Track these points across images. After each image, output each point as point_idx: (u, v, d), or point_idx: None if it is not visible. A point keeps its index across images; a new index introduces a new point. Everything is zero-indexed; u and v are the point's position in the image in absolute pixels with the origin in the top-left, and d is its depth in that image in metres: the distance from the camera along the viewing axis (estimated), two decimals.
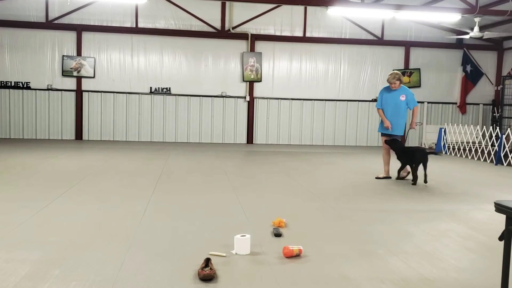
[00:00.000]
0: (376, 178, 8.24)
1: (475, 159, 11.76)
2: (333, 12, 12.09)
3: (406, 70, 15.02)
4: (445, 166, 10.48)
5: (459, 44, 15.09)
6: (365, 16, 13.99)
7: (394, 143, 7.98)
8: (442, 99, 15.37)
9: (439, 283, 3.42)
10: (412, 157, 7.72)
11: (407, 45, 14.96)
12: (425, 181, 7.76)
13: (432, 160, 11.38)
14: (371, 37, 14.80)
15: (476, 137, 13.21)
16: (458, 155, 12.51)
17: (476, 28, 11.93)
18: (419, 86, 15.13)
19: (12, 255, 3.73)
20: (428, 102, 15.24)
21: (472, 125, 13.22)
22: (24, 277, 3.28)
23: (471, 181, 8.52)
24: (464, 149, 12.70)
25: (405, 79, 15.03)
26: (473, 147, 12.61)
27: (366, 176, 8.53)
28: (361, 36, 14.76)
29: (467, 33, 12.39)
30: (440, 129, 13.37)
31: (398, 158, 8.00)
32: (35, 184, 6.73)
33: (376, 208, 5.92)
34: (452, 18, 11.80)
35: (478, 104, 15.52)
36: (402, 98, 8.25)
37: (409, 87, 14.97)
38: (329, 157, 11.46)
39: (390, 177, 8.25)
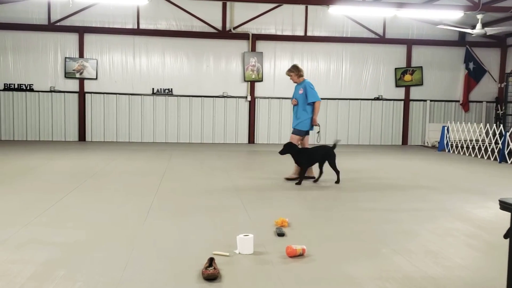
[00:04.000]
0: (285, 179, 7.70)
1: (479, 157, 11.74)
2: (334, 11, 12.08)
3: (408, 68, 15.00)
4: (449, 164, 10.46)
5: (461, 42, 15.05)
6: (367, 14, 13.98)
7: (290, 147, 7.35)
8: (445, 97, 15.33)
9: (444, 282, 3.41)
10: (314, 157, 7.39)
11: (409, 43, 14.93)
12: (337, 181, 7.42)
13: (436, 159, 11.41)
14: (372, 36, 14.78)
15: (480, 135, 13.18)
16: (462, 153, 12.48)
17: (479, 25, 11.90)
18: (421, 84, 15.11)
19: (18, 256, 3.74)
20: (431, 100, 15.21)
21: (475, 123, 13.20)
22: (30, 278, 3.29)
23: (475, 179, 8.50)
24: (468, 147, 12.67)
25: (407, 77, 15.02)
26: (477, 145, 12.58)
27: (369, 175, 8.52)
28: (363, 34, 14.74)
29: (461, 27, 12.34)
30: (443, 127, 13.35)
31: (298, 162, 7.42)
32: (39, 186, 6.75)
33: (380, 207, 5.91)
34: (454, 15, 11.77)
35: (482, 101, 15.48)
36: (300, 92, 7.77)
37: (412, 85, 15.10)
38: None
39: (314, 177, 7.72)
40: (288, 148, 7.34)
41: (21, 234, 4.37)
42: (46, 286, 3.18)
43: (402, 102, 15.17)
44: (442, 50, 15.16)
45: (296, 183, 7.32)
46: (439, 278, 3.47)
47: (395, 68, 15.03)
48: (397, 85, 15.10)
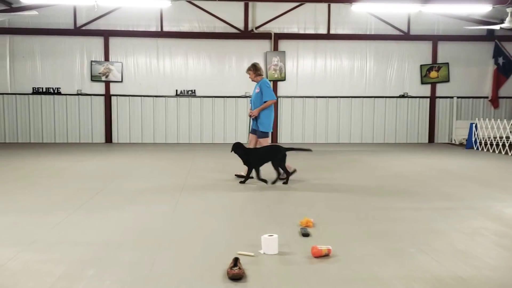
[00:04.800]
0: (235, 175, 7.65)
1: (509, 154, 11.44)
2: (358, 8, 11.98)
3: (434, 65, 14.73)
4: (477, 162, 10.24)
5: (490, 36, 14.69)
6: (391, 11, 13.80)
7: (237, 147, 7.27)
8: (473, 94, 15.00)
9: (473, 282, 3.34)
10: (262, 157, 7.16)
11: (435, 39, 14.66)
12: (279, 181, 7.23)
13: (464, 157, 11.18)
14: (397, 32, 14.58)
15: (510, 132, 12.83)
16: (491, 151, 12.19)
17: (508, 19, 11.57)
18: (448, 80, 14.82)
19: (48, 256, 3.83)
20: (458, 97, 14.91)
21: (505, 120, 12.84)
22: (60, 278, 3.37)
23: (504, 177, 8.30)
24: (497, 145, 12.37)
25: (433, 74, 14.76)
26: (507, 142, 12.26)
27: (395, 174, 8.41)
28: (387, 31, 14.55)
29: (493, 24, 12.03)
30: (471, 124, 13.07)
31: (245, 162, 7.30)
32: (68, 187, 6.90)
33: (405, 206, 5.83)
34: (482, 9, 11.49)
35: None
36: (257, 90, 7.62)
37: (438, 82, 14.83)
38: (356, 154, 11.35)
39: (295, 170, 7.59)
40: (235, 148, 7.26)
41: (51, 234, 4.47)
42: (76, 285, 3.25)
43: (428, 99, 14.91)
44: (469, 45, 14.83)
45: (240, 182, 7.26)
46: (468, 279, 3.40)
47: (421, 65, 14.79)
48: (422, 82, 14.86)
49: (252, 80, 7.83)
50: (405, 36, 14.60)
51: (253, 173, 7.26)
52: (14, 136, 14.01)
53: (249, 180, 7.44)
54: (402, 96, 14.84)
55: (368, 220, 5.12)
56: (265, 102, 7.53)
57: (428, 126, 14.98)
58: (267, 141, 7.67)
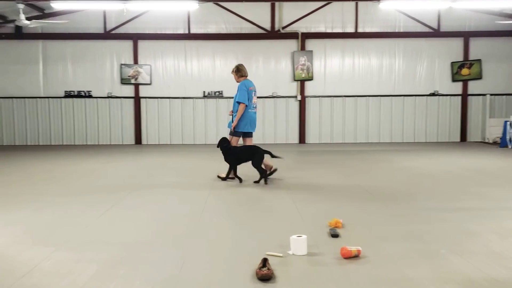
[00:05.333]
0: (218, 176, 7.70)
1: None
2: (386, 5, 11.81)
3: (466, 62, 14.38)
4: None
5: None
6: (420, 7, 13.56)
7: (221, 142, 7.43)
8: (507, 91, 14.56)
9: (508, 285, 3.24)
10: (240, 156, 7.31)
11: (466, 36, 14.31)
12: (257, 181, 7.27)
13: (498, 155, 10.87)
14: (426, 29, 14.30)
15: None
16: None
17: None
18: (480, 78, 14.44)
19: (81, 255, 3.92)
20: (491, 94, 14.50)
21: None
22: (92, 277, 3.44)
23: None
24: None
25: (465, 71, 14.41)
26: None
27: (426, 174, 8.25)
28: (416, 28, 14.30)
29: None
30: (505, 122, 12.69)
31: (225, 159, 7.46)
32: (99, 188, 7.04)
33: (436, 206, 5.70)
34: None
35: None
36: (236, 92, 7.61)
37: (470, 80, 14.47)
38: (386, 154, 11.19)
39: (275, 170, 7.58)
40: (220, 143, 7.44)
41: (83, 234, 4.58)
42: (108, 284, 3.31)
43: (460, 97, 14.57)
44: (502, 41, 14.41)
45: (222, 179, 7.49)
46: (504, 281, 3.30)
47: (451, 62, 14.46)
48: (453, 80, 14.53)
49: (236, 81, 7.79)
50: (435, 33, 14.31)
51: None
52: (47, 139, 14.39)
53: (276, 180, 7.43)
54: (433, 94, 14.55)
55: (398, 220, 5.04)
56: (238, 104, 7.50)
57: (460, 124, 14.64)
58: (235, 141, 7.67)
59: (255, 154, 7.22)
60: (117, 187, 7.06)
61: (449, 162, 9.82)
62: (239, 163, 7.44)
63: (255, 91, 7.72)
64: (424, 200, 6.04)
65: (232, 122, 7.65)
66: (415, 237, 4.38)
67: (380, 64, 14.48)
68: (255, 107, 7.75)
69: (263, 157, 7.26)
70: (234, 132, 7.64)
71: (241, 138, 7.74)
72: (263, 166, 7.32)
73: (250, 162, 7.27)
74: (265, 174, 7.27)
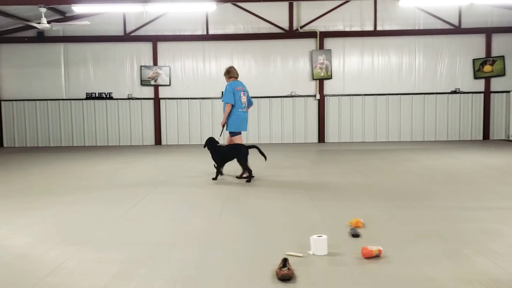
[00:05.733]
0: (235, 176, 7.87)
1: None
2: (405, 3, 11.68)
3: (488, 59, 14.12)
4: None
5: None
6: (440, 4, 13.37)
7: (208, 142, 7.67)
8: None
9: None
10: (226, 155, 7.57)
11: (488, 32, 14.05)
12: (239, 176, 7.70)
13: None
14: (447, 26, 14.09)
15: None
16: None
17: None
18: (503, 74, 14.15)
19: (103, 255, 3.97)
20: None
21: None
22: (114, 276, 3.49)
23: None
24: None
25: (487, 68, 14.14)
26: None
27: (448, 172, 8.12)
28: (436, 26, 14.10)
29: None
30: None
31: (212, 158, 7.71)
32: (120, 188, 7.13)
33: (459, 205, 5.61)
34: None
35: None
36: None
37: (492, 76, 14.21)
38: (406, 153, 11.06)
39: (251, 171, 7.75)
40: (207, 143, 7.67)
41: (105, 234, 4.64)
42: (129, 283, 3.35)
43: (482, 94, 14.32)
44: None
45: (213, 178, 7.66)
46: None
47: (473, 59, 14.22)
48: (475, 77, 14.28)
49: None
50: (456, 29, 14.09)
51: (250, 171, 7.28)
52: (69, 140, 14.63)
53: (296, 180, 7.41)
54: (454, 92, 14.32)
55: (420, 220, 4.97)
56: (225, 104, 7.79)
57: (483, 122, 14.38)
58: (238, 139, 7.87)
59: (239, 153, 7.46)
60: (137, 188, 7.13)
61: (472, 160, 9.66)
62: (225, 161, 7.71)
63: (244, 91, 7.94)
64: (447, 199, 5.95)
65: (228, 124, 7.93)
66: (438, 237, 4.32)
67: (400, 62, 14.32)
68: (245, 107, 7.95)
69: (247, 155, 7.50)
70: (232, 133, 7.89)
71: (241, 138, 7.97)
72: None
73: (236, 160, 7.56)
74: (249, 171, 7.50)
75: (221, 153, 7.62)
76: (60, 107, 14.57)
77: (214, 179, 7.65)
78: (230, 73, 8.00)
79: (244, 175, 7.69)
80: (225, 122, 7.85)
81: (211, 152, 7.69)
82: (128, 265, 3.71)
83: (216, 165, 7.69)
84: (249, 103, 8.09)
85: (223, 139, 8.36)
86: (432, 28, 14.08)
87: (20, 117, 14.61)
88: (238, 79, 8.07)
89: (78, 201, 6.24)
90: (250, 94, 14.85)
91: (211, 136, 8.02)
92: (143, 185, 7.32)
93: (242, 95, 7.86)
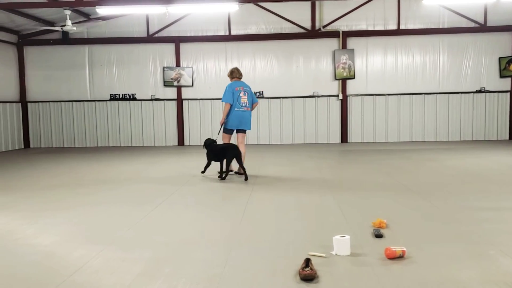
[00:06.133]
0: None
1: None
2: (429, 1, 11.53)
3: None
4: None
5: None
6: (465, 2, 13.15)
7: (206, 141, 8.14)
8: None
9: None
10: (217, 154, 7.88)
11: None
12: (231, 172, 8.17)
13: None
14: (472, 25, 13.84)
15: None
16: None
17: None
18: None
19: (127, 254, 4.04)
20: None
21: None
22: (139, 275, 3.54)
23: None
24: None
25: None
26: None
27: (473, 172, 7.98)
28: (461, 24, 13.86)
29: None
30: None
31: (207, 156, 8.11)
32: (144, 188, 7.23)
33: (484, 206, 5.51)
34: None
35: None
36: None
37: None
38: (431, 153, 10.91)
39: (232, 170, 8.29)
40: (204, 143, 8.14)
41: (130, 233, 4.71)
42: (154, 282, 3.40)
43: (508, 93, 14.02)
44: None
45: (201, 172, 8.28)
46: None
47: (499, 58, 13.93)
48: (501, 76, 13.99)
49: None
50: (482, 28, 13.82)
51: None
52: (94, 141, 14.90)
53: (319, 180, 7.39)
54: (479, 91, 14.06)
55: (444, 220, 4.91)
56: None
57: (509, 122, 14.07)
58: (226, 138, 8.33)
59: (232, 151, 7.72)
60: (161, 188, 7.22)
61: (497, 160, 9.46)
62: (218, 160, 7.97)
63: (244, 91, 8.18)
64: (472, 200, 5.85)
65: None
66: (462, 238, 4.26)
67: (424, 61, 14.13)
68: (245, 106, 8.18)
69: (235, 155, 7.71)
70: (224, 129, 8.26)
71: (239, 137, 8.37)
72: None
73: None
74: (227, 170, 7.78)
75: (214, 151, 7.96)
76: (85, 108, 14.84)
77: (220, 177, 7.87)
78: (233, 74, 8.35)
79: (240, 171, 8.04)
80: (224, 121, 8.18)
81: (207, 151, 8.11)
82: (152, 264, 3.76)
83: (207, 162, 8.12)
84: (252, 102, 8.35)
85: (221, 139, 8.51)
86: (457, 26, 13.86)
87: (46, 118, 14.94)
88: (243, 79, 8.48)
89: (103, 201, 6.34)
90: (272, 95, 14.89)
91: (208, 137, 8.62)
92: (166, 185, 7.41)
93: (242, 95, 8.12)
